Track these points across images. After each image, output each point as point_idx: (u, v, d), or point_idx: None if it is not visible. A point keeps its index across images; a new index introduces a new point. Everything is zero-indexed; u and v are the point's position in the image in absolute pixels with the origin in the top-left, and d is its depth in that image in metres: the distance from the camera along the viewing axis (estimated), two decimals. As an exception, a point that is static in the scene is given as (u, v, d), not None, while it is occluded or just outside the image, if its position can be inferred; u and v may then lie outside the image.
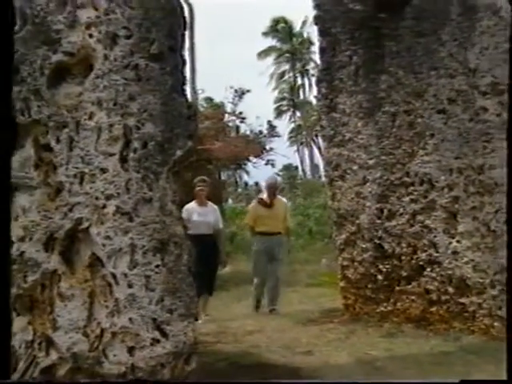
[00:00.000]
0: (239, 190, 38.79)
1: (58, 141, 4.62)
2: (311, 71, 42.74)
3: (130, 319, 4.55)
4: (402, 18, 7.27)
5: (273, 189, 9.75)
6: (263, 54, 46.54)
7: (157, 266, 4.67)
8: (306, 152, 44.17)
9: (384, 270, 7.53)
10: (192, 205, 9.04)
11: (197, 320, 5.04)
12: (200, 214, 8.87)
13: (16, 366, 4.48)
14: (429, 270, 7.11)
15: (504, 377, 3.78)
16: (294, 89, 46.85)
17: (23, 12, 4.64)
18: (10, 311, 3.10)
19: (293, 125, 45.89)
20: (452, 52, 6.92)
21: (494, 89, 6.66)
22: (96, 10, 4.71)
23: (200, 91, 19.52)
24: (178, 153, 4.84)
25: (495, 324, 6.58)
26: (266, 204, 9.64)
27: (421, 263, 7.19)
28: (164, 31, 4.89)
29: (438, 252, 7.03)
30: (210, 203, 9.31)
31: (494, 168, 6.60)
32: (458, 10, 6.85)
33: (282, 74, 47.75)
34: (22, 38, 4.63)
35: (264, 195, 10.00)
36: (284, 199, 10.41)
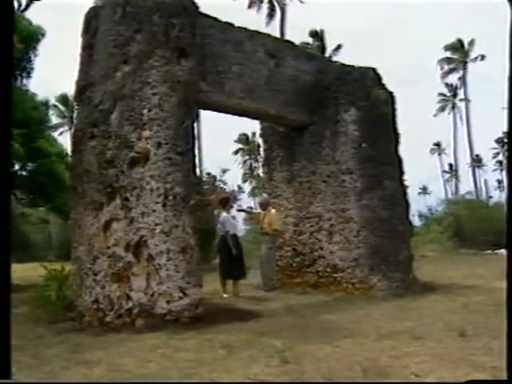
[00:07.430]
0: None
1: (131, 195, 4.73)
2: (260, 160, 43.04)
3: (168, 286, 4.64)
4: (303, 135, 7.42)
5: (264, 204, 7.94)
6: (235, 152, 47.36)
7: (180, 260, 4.74)
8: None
9: (296, 261, 7.55)
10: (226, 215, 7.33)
11: (201, 287, 4.87)
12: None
13: (112, 308, 4.54)
14: (319, 261, 7.16)
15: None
16: (251, 168, 47.21)
17: (117, 133, 4.82)
18: (9, 312, 2.43)
19: (251, 186, 45.99)
20: (328, 153, 7.07)
21: (347, 171, 6.83)
22: (147, 160, 4.81)
23: (204, 170, 19.94)
24: (192, 201, 4.93)
25: (349, 286, 6.67)
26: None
27: (315, 258, 7.22)
28: (185, 141, 5.03)
29: (323, 251, 7.09)
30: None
31: (349, 210, 6.77)
32: (329, 132, 7.06)
33: (245, 161, 48.03)
34: (115, 146, 4.79)
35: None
36: (273, 210, 7.68)
